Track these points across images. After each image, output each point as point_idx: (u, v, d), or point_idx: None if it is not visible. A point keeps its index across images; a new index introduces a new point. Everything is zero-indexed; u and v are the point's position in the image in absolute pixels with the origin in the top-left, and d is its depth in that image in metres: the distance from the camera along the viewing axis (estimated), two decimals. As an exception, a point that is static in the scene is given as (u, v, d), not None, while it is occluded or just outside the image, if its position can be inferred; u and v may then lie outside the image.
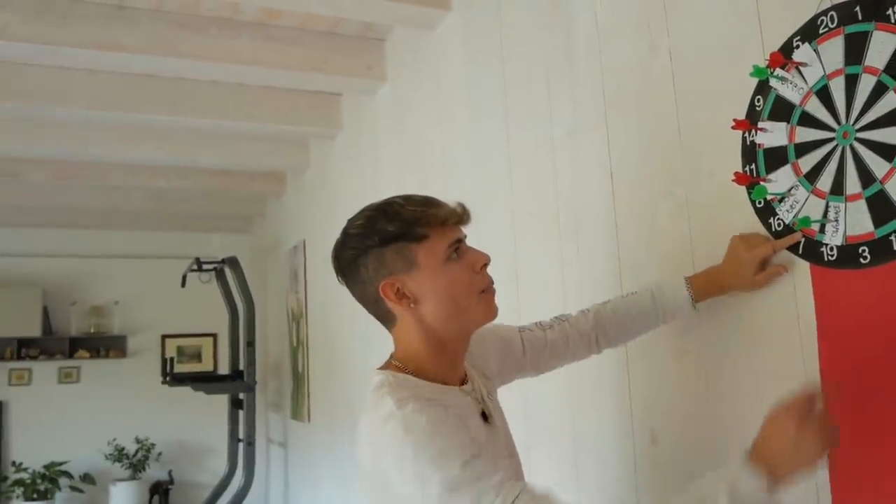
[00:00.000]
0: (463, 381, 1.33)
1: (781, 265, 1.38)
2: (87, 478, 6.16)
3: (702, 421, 1.58)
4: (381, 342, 3.50)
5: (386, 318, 1.32)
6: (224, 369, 6.23)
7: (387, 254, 1.25)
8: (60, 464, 6.02)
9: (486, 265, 1.31)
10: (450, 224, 1.27)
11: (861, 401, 1.24)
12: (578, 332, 1.55)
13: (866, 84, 1.22)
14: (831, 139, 1.28)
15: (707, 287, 1.49)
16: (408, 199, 1.28)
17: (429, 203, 1.28)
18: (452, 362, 1.32)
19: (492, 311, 1.32)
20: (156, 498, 6.38)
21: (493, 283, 1.32)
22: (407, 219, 1.25)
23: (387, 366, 1.31)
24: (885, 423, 1.21)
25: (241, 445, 5.17)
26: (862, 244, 1.22)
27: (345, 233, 1.31)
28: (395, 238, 1.24)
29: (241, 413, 5.20)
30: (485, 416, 1.31)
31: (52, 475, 5.94)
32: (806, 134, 1.32)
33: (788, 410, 1.13)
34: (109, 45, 2.92)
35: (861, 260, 1.23)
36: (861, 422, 1.24)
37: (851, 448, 1.25)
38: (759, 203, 1.40)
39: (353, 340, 3.81)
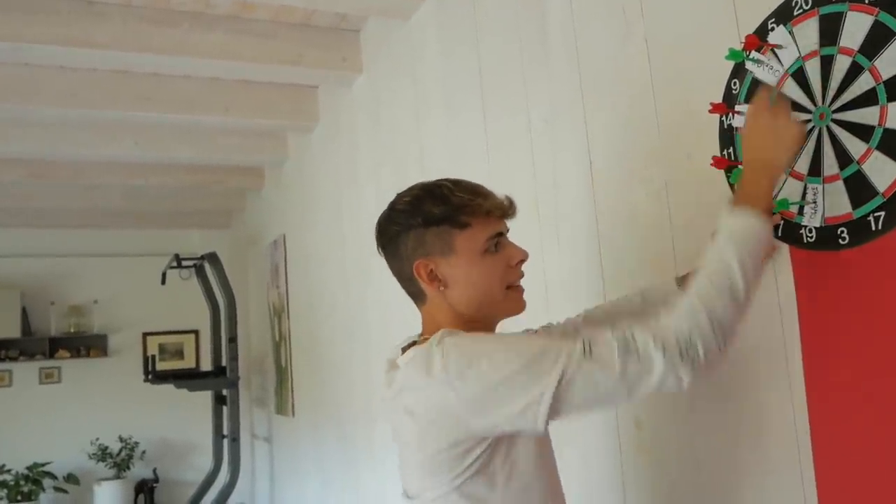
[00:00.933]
0: None
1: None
2: (71, 478, 6.12)
3: (684, 403, 1.58)
4: (364, 337, 3.50)
5: (417, 296, 1.35)
6: (206, 366, 6.20)
7: (427, 235, 1.28)
8: (44, 465, 5.98)
9: (522, 261, 1.33)
10: (494, 216, 1.30)
11: (843, 381, 1.25)
12: (563, 336, 1.53)
13: (841, 65, 1.21)
14: (808, 121, 1.27)
15: None
16: (457, 185, 1.31)
17: (476, 192, 1.30)
18: None
19: (517, 307, 1.34)
20: (141, 496, 6.35)
21: (522, 277, 1.34)
22: (454, 204, 1.27)
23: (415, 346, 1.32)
24: (867, 403, 1.21)
25: (225, 442, 5.15)
26: (840, 225, 1.22)
27: (391, 207, 1.34)
28: (439, 221, 1.27)
29: (225, 409, 5.18)
30: None
31: (35, 476, 5.90)
32: (783, 116, 1.31)
33: (758, 105, 1.23)
34: (80, 42, 2.87)
35: (840, 241, 1.23)
36: (843, 402, 1.25)
37: (835, 429, 1.26)
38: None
39: (336, 334, 3.80)
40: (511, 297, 1.33)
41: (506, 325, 1.44)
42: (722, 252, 1.13)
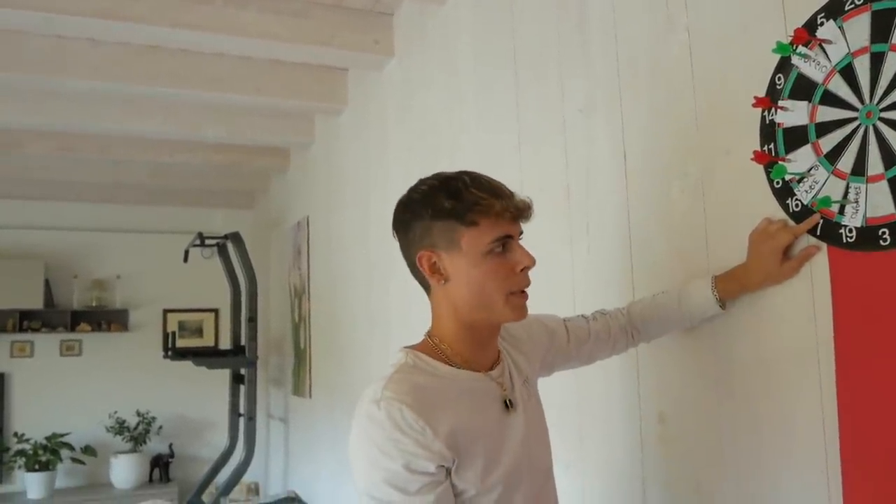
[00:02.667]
0: (493, 366, 1.33)
1: (812, 246, 1.34)
2: (88, 450, 6.17)
3: (710, 399, 1.57)
4: (385, 322, 3.49)
5: (424, 286, 1.34)
6: (225, 345, 6.23)
7: (434, 227, 1.26)
8: (62, 435, 6.03)
9: (526, 268, 1.28)
10: (504, 218, 1.25)
11: (877, 384, 1.22)
12: (619, 326, 1.61)
13: (892, 62, 1.18)
14: (854, 119, 1.25)
15: (732, 286, 1.47)
16: (475, 180, 1.26)
17: (491, 191, 1.26)
18: (481, 345, 1.32)
19: (517, 314, 1.30)
20: (156, 471, 6.41)
21: (528, 285, 1.30)
22: (465, 200, 1.24)
23: (423, 338, 1.33)
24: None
25: (241, 420, 5.18)
26: (882, 226, 1.20)
27: (408, 194, 1.32)
28: (447, 216, 1.24)
29: (242, 388, 5.21)
30: (507, 404, 1.30)
31: (53, 446, 5.96)
32: (828, 113, 1.29)
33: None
34: (111, 15, 2.86)
35: (881, 242, 1.20)
36: (875, 405, 1.22)
37: (865, 433, 1.24)
38: (778, 183, 1.37)
39: (356, 318, 3.80)
40: (511, 304, 1.28)
41: (543, 308, 1.43)
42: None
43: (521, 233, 1.30)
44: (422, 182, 1.31)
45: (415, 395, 1.19)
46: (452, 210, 1.24)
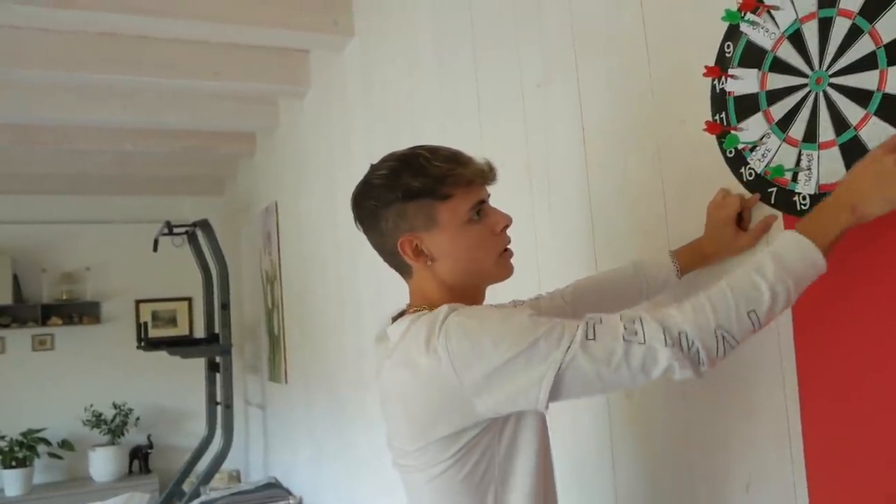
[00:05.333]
0: None
1: (770, 216, 1.32)
2: (65, 444, 6.14)
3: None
4: (356, 303, 3.46)
5: (402, 270, 1.32)
6: (200, 333, 6.19)
7: (408, 209, 1.24)
8: (38, 431, 5.98)
9: (506, 227, 1.30)
10: (475, 184, 1.26)
11: (833, 351, 1.23)
12: (552, 307, 1.52)
13: (840, 28, 1.18)
14: (804, 85, 1.24)
15: (692, 257, 1.46)
16: (434, 153, 1.25)
17: (456, 160, 1.25)
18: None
19: (507, 272, 1.32)
20: (135, 462, 6.38)
21: (510, 242, 1.32)
22: (433, 175, 1.22)
23: (411, 310, 1.29)
24: (855, 375, 1.20)
25: (219, 408, 5.16)
26: (835, 192, 1.20)
27: (366, 181, 1.29)
28: (419, 195, 1.23)
29: (218, 376, 5.18)
30: None
31: (29, 442, 5.91)
32: (778, 80, 1.28)
33: (886, 149, 1.08)
34: (65, 2, 2.80)
35: (834, 209, 1.20)
36: (833, 374, 1.23)
37: (823, 397, 1.25)
38: (730, 152, 1.37)
39: (328, 301, 3.78)
40: (500, 264, 1.30)
41: (495, 297, 1.42)
42: (761, 272, 1.06)
43: (489, 195, 1.30)
44: (377, 167, 1.29)
45: None
46: (423, 187, 1.22)
